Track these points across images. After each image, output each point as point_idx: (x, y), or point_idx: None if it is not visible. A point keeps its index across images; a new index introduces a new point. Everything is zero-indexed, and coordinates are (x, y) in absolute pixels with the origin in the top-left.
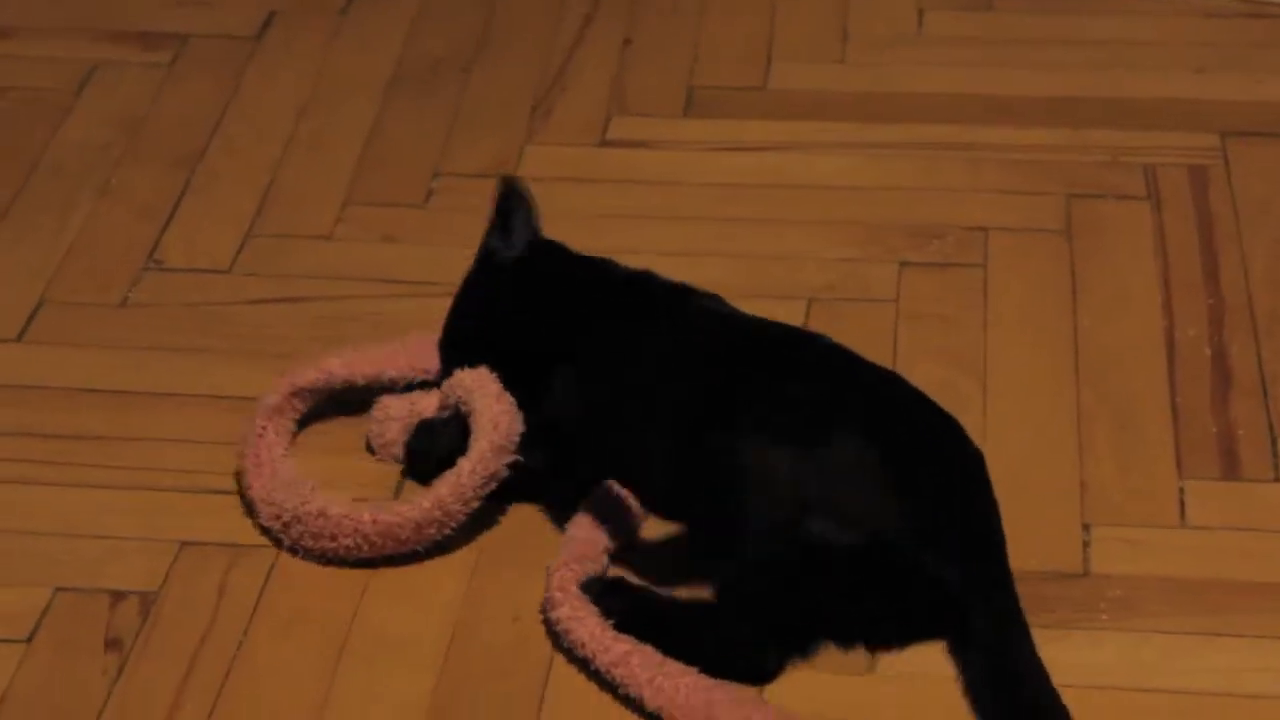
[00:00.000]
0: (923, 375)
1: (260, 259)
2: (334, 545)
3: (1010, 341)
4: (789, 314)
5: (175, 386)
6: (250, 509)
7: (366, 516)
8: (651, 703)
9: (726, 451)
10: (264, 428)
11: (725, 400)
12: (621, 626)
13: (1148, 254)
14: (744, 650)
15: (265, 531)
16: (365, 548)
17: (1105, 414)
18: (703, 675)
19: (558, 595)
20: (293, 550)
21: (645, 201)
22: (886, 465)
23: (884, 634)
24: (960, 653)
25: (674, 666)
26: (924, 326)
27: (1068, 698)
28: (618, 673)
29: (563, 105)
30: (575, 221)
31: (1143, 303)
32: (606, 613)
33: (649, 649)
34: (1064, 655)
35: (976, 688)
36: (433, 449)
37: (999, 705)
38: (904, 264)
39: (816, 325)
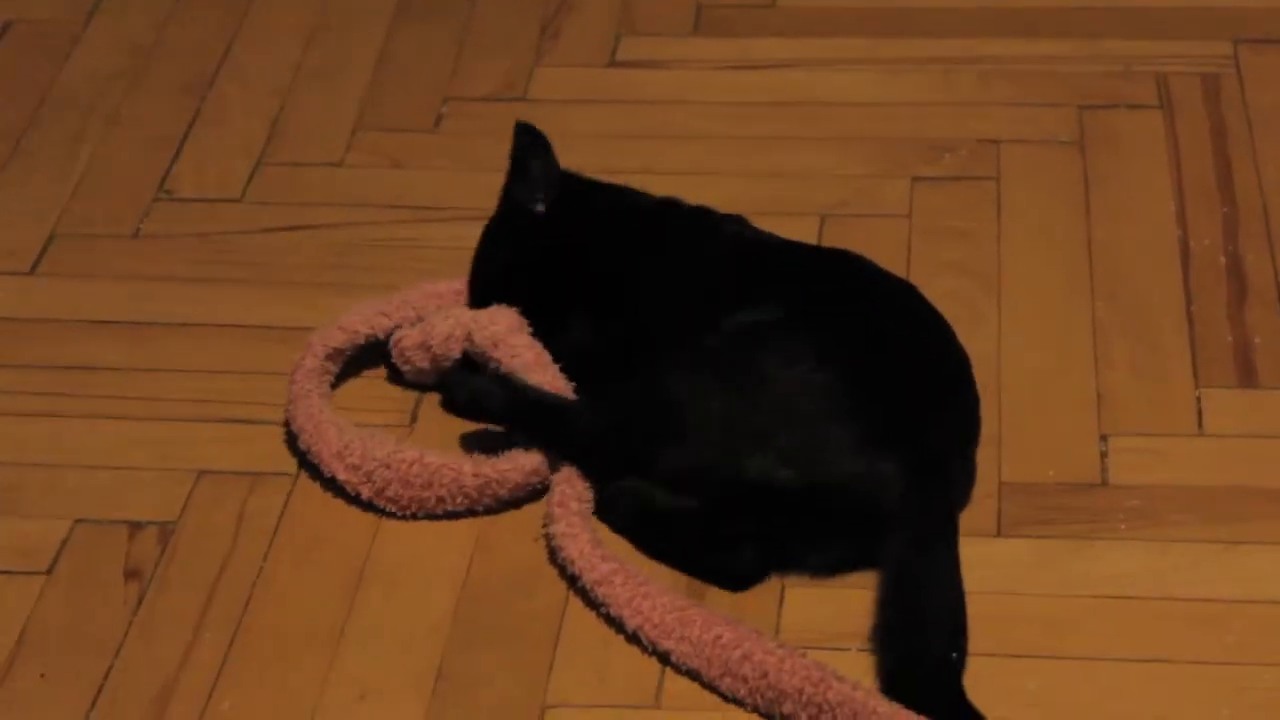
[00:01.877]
0: (937, 289)
1: (271, 187)
2: (426, 495)
3: (1024, 254)
4: (802, 231)
5: (189, 316)
6: (317, 464)
7: (467, 468)
8: (630, 623)
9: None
10: (308, 390)
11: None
12: (621, 528)
13: (1161, 164)
14: (722, 554)
15: (333, 484)
16: (459, 500)
17: (1121, 324)
18: (680, 596)
19: (556, 511)
20: (372, 501)
21: (656, 121)
22: (835, 392)
23: (829, 558)
24: (881, 571)
25: (654, 587)
26: (937, 241)
27: (1086, 607)
28: (601, 591)
29: (571, 26)
30: (586, 143)
31: (1156, 212)
32: (608, 509)
33: (633, 569)
34: (1082, 566)
35: (882, 606)
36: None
37: (899, 620)
38: (916, 179)
39: (830, 242)
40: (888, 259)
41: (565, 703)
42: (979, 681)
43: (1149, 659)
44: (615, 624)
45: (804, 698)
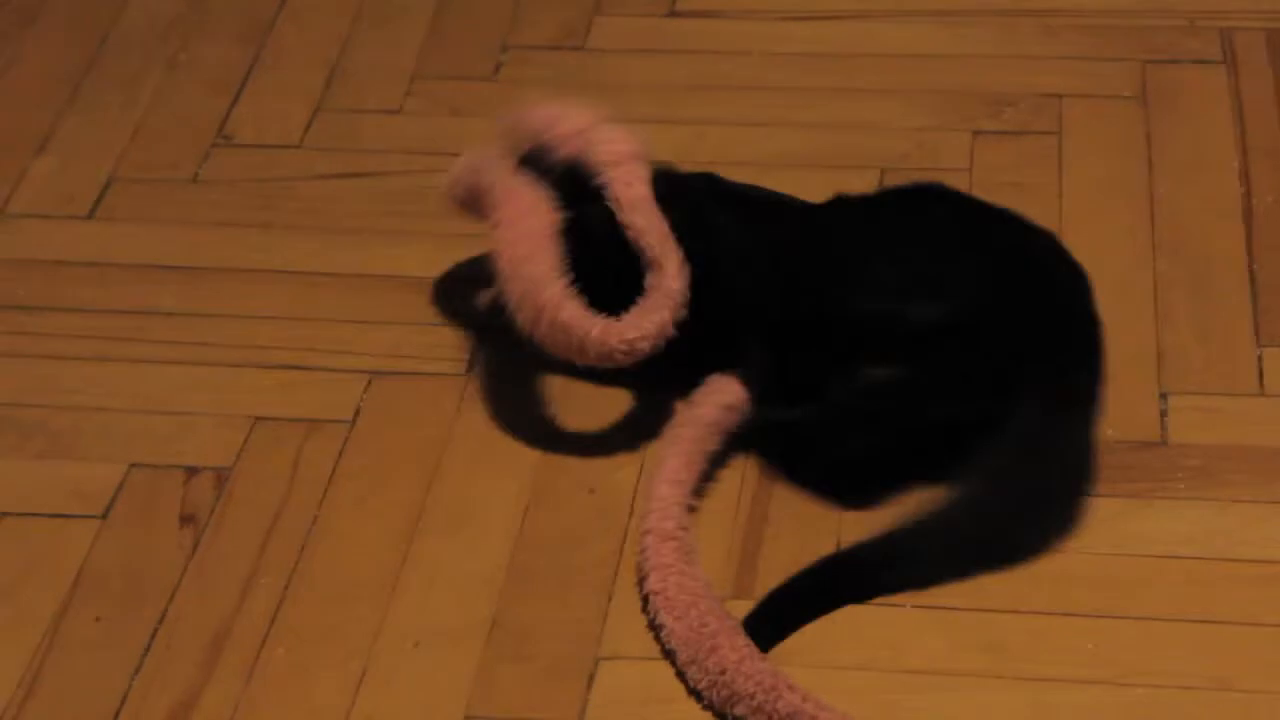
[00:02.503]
0: None
1: (329, 134)
2: None
3: (1085, 209)
4: (862, 184)
5: (246, 262)
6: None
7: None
8: (650, 585)
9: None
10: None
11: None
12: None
13: (1224, 120)
14: (847, 469)
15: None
16: None
17: (1182, 281)
18: (703, 583)
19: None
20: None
21: (715, 72)
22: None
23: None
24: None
25: (694, 567)
26: (998, 195)
27: (1145, 567)
28: (647, 539)
29: None
30: (645, 94)
31: (1219, 169)
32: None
33: (692, 543)
34: (1141, 525)
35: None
36: None
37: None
38: (977, 132)
39: None
40: None
41: (619, 654)
42: (1037, 640)
43: (1207, 620)
44: (640, 581)
45: (755, 703)
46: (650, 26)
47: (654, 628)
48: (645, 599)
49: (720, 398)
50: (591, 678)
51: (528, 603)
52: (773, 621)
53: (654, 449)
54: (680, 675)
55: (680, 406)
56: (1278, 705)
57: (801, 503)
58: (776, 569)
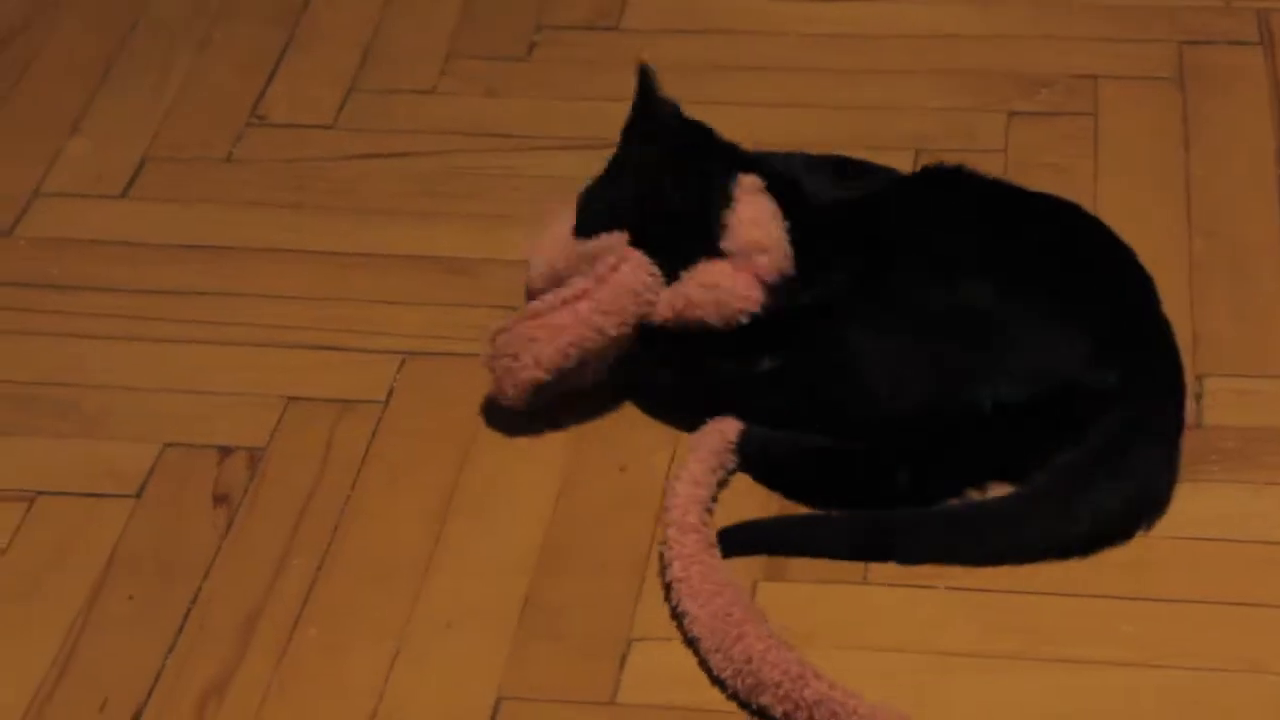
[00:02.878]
0: None
1: (363, 114)
2: None
3: (1121, 191)
4: (896, 164)
5: (280, 242)
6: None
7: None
8: (672, 572)
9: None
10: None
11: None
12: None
13: (1261, 101)
14: (878, 473)
15: None
16: None
17: (1218, 263)
18: (728, 572)
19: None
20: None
21: (749, 53)
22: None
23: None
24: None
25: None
26: (1033, 176)
27: (1180, 550)
28: (670, 533)
29: None
30: (678, 74)
31: (1256, 150)
32: (750, 458)
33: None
34: (1177, 508)
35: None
36: None
37: (1100, 492)
38: (1012, 113)
39: None
40: None
41: (650, 635)
42: (1071, 622)
43: (1243, 603)
44: (663, 570)
45: (781, 691)
46: (683, 7)
47: (677, 615)
48: (668, 587)
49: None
50: (624, 658)
51: (560, 583)
52: (748, 536)
53: (685, 438)
54: (704, 662)
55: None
56: None
57: None
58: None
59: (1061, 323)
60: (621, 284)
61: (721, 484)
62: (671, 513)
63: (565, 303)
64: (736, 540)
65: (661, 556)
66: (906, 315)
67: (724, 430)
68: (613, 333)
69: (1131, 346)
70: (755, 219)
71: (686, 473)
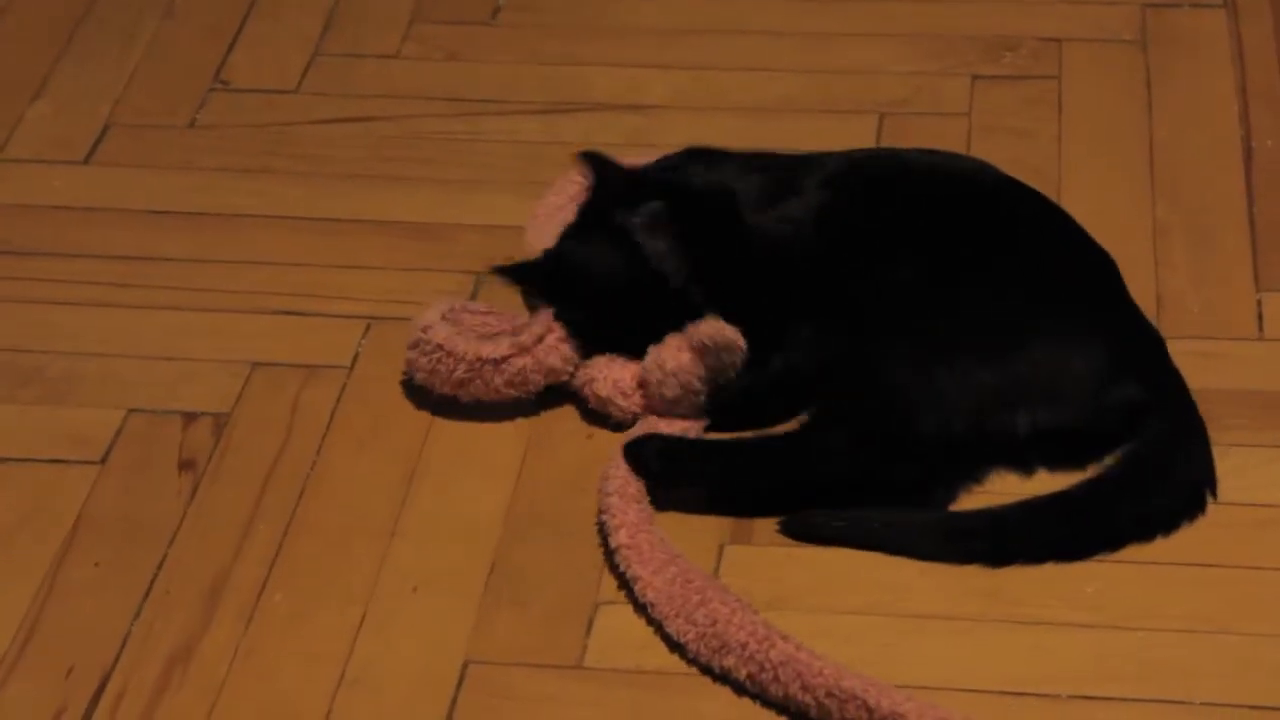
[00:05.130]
0: None
1: (327, 79)
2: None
3: (1085, 154)
4: (860, 129)
5: (244, 207)
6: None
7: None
8: (617, 539)
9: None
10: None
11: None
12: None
13: (1225, 64)
14: (914, 487)
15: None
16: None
17: (1181, 226)
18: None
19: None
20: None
21: (715, 16)
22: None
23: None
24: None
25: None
26: (997, 140)
27: None
28: (608, 502)
29: None
30: (644, 37)
31: (1219, 113)
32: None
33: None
34: None
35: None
36: None
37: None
38: (976, 77)
39: (889, 140)
40: None
41: (617, 600)
42: (1036, 586)
43: (1207, 563)
44: (602, 535)
45: (746, 653)
46: None
47: (626, 581)
48: (614, 552)
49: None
50: (590, 622)
51: (526, 547)
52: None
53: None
54: (659, 626)
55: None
56: (1277, 649)
57: None
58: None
59: (1078, 336)
60: (540, 359)
61: None
62: (612, 482)
63: (481, 361)
64: (803, 529)
65: (603, 525)
66: (935, 346)
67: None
68: (524, 392)
69: (1135, 343)
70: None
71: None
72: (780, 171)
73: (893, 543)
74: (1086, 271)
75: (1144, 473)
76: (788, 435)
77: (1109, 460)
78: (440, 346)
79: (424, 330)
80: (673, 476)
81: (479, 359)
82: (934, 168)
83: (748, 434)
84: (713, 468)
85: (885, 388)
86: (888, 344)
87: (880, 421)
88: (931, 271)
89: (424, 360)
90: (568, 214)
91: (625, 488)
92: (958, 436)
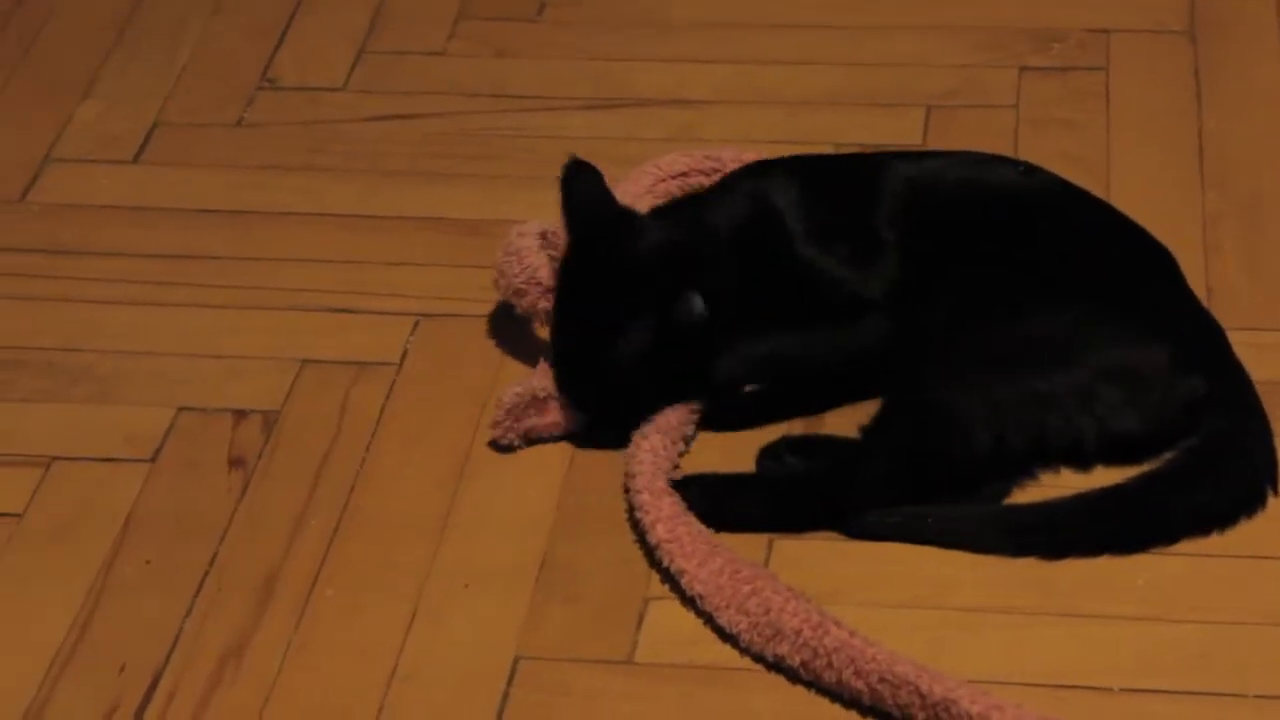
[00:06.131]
0: None
1: (374, 76)
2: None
3: (1134, 145)
4: (908, 122)
5: (292, 205)
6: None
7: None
8: (655, 535)
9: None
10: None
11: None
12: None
13: (1273, 52)
14: (962, 485)
15: None
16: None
17: (1232, 216)
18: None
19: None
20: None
21: (758, 11)
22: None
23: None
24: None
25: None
26: (1045, 132)
27: None
28: (640, 500)
29: None
30: (688, 32)
31: (1269, 102)
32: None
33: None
34: None
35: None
36: None
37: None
38: (1024, 68)
39: (935, 133)
40: (995, 150)
41: (668, 595)
42: (1087, 579)
43: (1258, 555)
44: (638, 531)
45: (800, 639)
46: None
47: (671, 575)
48: (655, 548)
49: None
50: (641, 617)
51: (577, 543)
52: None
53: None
54: (711, 619)
55: None
56: None
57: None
58: None
59: (1139, 337)
60: None
61: (681, 453)
62: (639, 479)
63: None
64: (862, 528)
65: (638, 521)
66: (989, 360)
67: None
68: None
69: (1197, 338)
70: None
71: (648, 442)
72: (830, 198)
73: (951, 538)
74: (1142, 269)
75: (1203, 468)
76: (832, 464)
77: (1167, 454)
78: (516, 251)
79: (519, 235)
80: (719, 517)
81: (533, 279)
82: (975, 178)
83: (794, 463)
84: (757, 504)
85: (935, 406)
86: (943, 363)
87: (932, 442)
88: (985, 285)
89: (502, 258)
90: (644, 204)
91: (653, 482)
92: (1015, 450)
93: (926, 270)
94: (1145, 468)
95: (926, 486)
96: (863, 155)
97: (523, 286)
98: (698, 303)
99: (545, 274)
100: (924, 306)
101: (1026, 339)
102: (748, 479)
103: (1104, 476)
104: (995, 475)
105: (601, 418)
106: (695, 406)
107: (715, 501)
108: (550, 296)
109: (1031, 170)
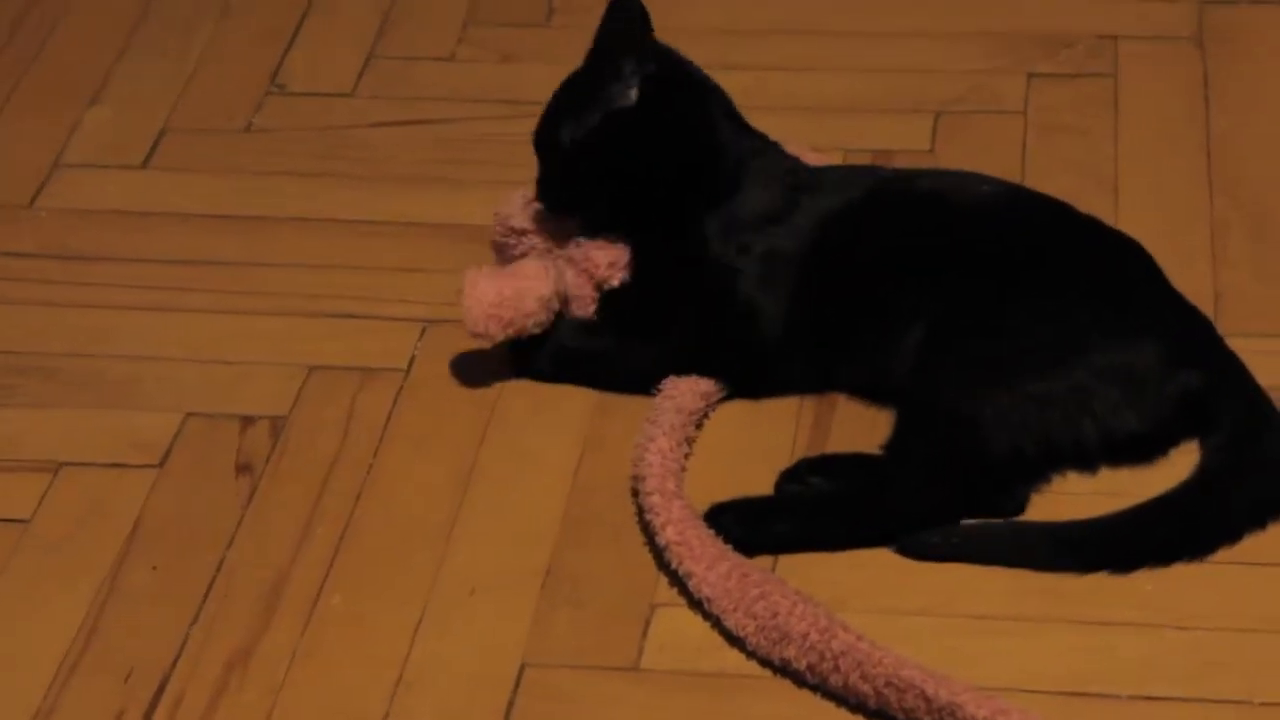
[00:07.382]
0: (1053, 188)
1: (382, 81)
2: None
3: (1142, 151)
4: (917, 128)
5: (300, 211)
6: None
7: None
8: (665, 536)
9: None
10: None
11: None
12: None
13: None
14: (988, 490)
15: None
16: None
17: (1240, 222)
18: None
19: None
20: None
21: (768, 16)
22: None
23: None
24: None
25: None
26: (1054, 138)
27: None
28: (650, 501)
29: None
30: (698, 37)
31: (1277, 108)
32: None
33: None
34: None
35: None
36: None
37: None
38: (1033, 75)
39: (944, 139)
40: (1003, 157)
41: (674, 602)
42: (1096, 585)
43: (1267, 563)
44: (648, 533)
45: (808, 643)
46: None
47: (679, 578)
48: (664, 550)
49: (698, 385)
50: (646, 624)
51: (583, 549)
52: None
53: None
54: (719, 623)
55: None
56: None
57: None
58: None
59: (1129, 335)
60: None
61: (685, 455)
62: (649, 481)
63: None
64: (918, 549)
65: (648, 523)
66: (992, 370)
67: (680, 404)
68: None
69: (1185, 331)
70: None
71: (655, 445)
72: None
73: (1015, 557)
74: (1120, 268)
75: (1245, 461)
76: (864, 483)
77: (1173, 452)
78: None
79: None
80: (756, 542)
81: (509, 227)
82: (939, 193)
83: (818, 483)
84: (795, 527)
85: (952, 419)
86: (945, 376)
87: (955, 453)
88: (972, 297)
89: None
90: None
91: (664, 484)
92: (1029, 454)
93: (883, 288)
94: (1144, 468)
95: (960, 496)
96: (840, 167)
97: (501, 240)
98: (635, 92)
99: (520, 222)
100: (886, 328)
101: (1020, 346)
102: (781, 501)
103: (1111, 480)
104: (1019, 480)
105: (548, 204)
106: (695, 408)
107: (751, 528)
108: (530, 240)
109: (984, 179)
